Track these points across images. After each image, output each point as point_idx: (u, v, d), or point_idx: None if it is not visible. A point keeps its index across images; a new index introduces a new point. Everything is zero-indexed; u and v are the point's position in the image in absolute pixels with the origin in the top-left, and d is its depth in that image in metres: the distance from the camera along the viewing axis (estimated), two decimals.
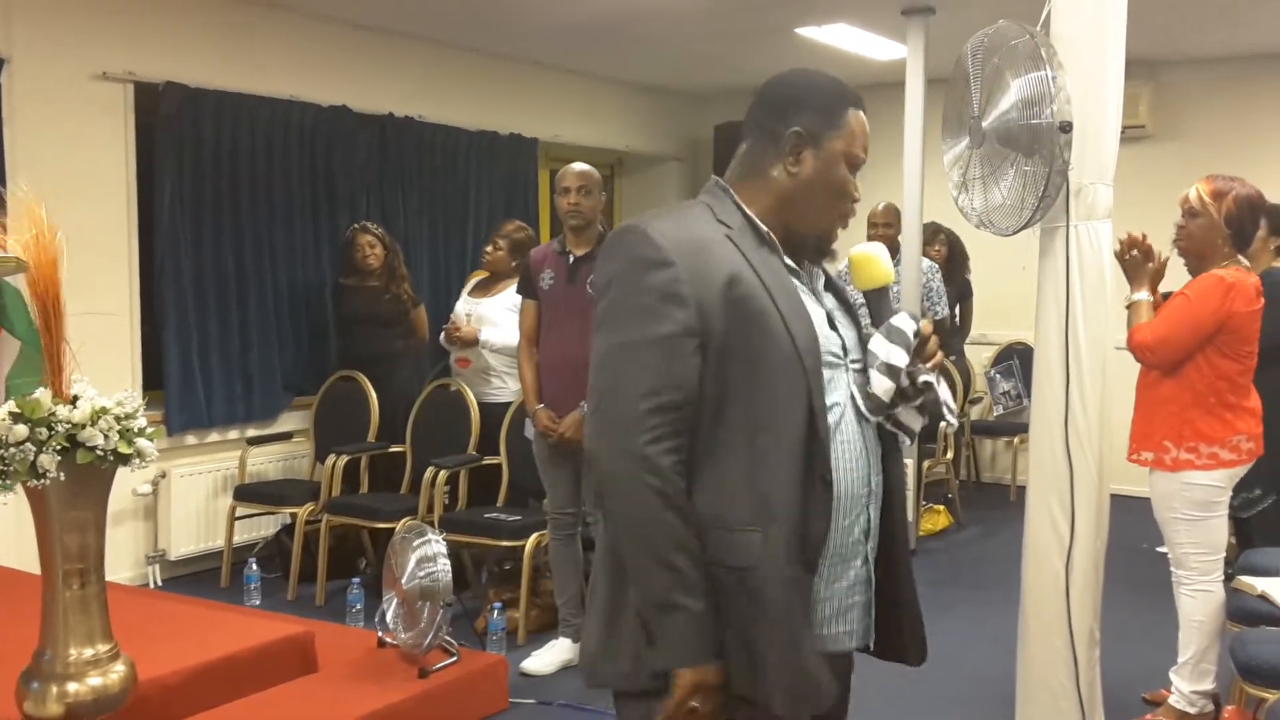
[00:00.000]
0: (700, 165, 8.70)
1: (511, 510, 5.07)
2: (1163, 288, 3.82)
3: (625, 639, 1.83)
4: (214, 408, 5.73)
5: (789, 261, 1.90)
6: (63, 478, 2.39)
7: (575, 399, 4.24)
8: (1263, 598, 3.53)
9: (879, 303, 1.99)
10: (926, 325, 1.94)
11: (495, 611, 4.55)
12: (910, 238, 6.08)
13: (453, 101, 6.86)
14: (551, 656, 4.44)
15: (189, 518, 5.62)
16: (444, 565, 3.87)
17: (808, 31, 6.42)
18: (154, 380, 5.53)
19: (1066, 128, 2.97)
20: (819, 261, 1.99)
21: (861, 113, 1.92)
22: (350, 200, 6.28)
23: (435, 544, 3.92)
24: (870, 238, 6.25)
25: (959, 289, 7.14)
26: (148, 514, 5.56)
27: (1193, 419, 3.55)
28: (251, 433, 5.91)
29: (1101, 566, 3.27)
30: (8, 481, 2.42)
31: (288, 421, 6.09)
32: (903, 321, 1.92)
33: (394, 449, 5.71)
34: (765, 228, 1.89)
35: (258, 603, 5.13)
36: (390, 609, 3.99)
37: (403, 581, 3.89)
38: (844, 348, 1.91)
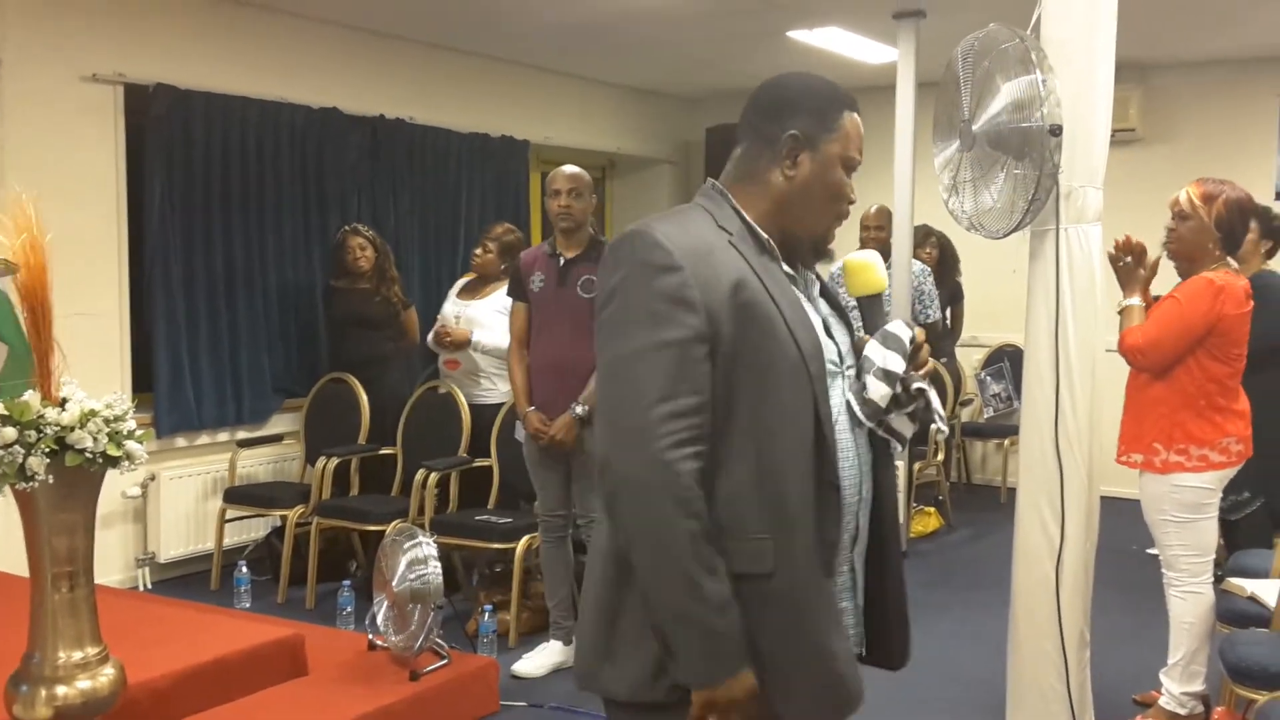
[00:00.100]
0: (692, 168, 8.70)
1: (502, 513, 5.07)
2: (1152, 290, 3.83)
3: (630, 646, 1.81)
4: (204, 410, 5.72)
5: (787, 269, 1.90)
6: (51, 480, 2.38)
7: (566, 401, 4.24)
8: (1252, 599, 3.55)
9: (873, 309, 2.00)
10: (920, 333, 1.94)
11: (486, 614, 4.54)
12: (901, 241, 6.09)
13: (444, 103, 6.86)
14: (542, 659, 4.44)
15: (179, 520, 5.60)
16: (435, 568, 3.86)
17: (799, 35, 6.43)
18: (144, 382, 5.51)
19: (1057, 131, 2.98)
20: (814, 265, 1.99)
21: (856, 115, 1.92)
22: (341, 202, 6.28)
23: (426, 546, 3.92)
24: (863, 240, 6.26)
25: (950, 292, 7.15)
26: (137, 516, 5.55)
27: (1183, 421, 3.56)
28: (242, 435, 5.90)
29: (1091, 568, 3.28)
30: None
31: (278, 424, 6.08)
32: (898, 328, 1.92)
33: (385, 451, 5.71)
34: (765, 234, 1.88)
35: (248, 605, 5.12)
36: (381, 611, 3.98)
37: (393, 584, 3.89)
38: (839, 355, 1.91)
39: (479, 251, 5.64)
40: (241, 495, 5.64)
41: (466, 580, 5.33)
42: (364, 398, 5.75)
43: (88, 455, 2.41)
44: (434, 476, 5.21)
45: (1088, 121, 3.09)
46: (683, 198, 8.26)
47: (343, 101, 6.23)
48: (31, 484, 2.36)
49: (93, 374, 3.39)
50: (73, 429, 2.39)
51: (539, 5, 5.87)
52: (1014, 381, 7.49)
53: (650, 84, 8.32)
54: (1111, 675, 4.02)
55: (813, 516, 1.79)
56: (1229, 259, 3.65)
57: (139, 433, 2.52)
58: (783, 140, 1.87)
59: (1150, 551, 4.11)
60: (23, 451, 2.35)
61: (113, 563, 5.39)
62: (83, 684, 2.51)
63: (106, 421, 2.45)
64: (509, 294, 4.62)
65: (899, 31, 6.05)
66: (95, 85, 5.24)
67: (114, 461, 2.46)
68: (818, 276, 2.00)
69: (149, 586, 5.51)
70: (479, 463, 5.34)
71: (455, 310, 5.61)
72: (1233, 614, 3.57)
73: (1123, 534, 4.86)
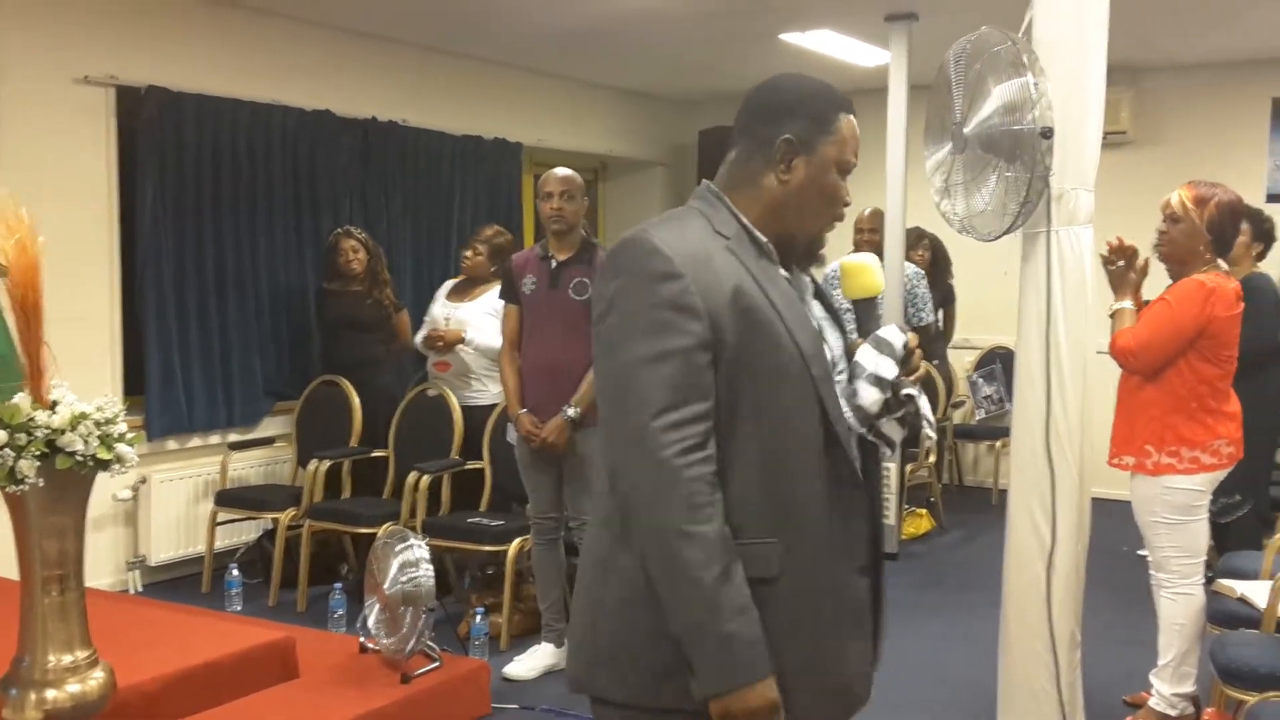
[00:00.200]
0: (685, 170, 8.71)
1: (494, 515, 5.06)
2: (1143, 293, 3.84)
3: (622, 649, 1.81)
4: (195, 412, 5.70)
5: (784, 272, 1.90)
6: (42, 483, 2.37)
7: (557, 404, 4.24)
8: (1242, 600, 3.56)
9: (867, 313, 2.00)
10: (912, 338, 1.94)
11: (478, 617, 4.54)
12: (893, 243, 6.10)
13: (436, 106, 6.85)
14: (534, 661, 4.43)
15: (170, 523, 5.59)
16: (426, 570, 3.86)
17: (792, 37, 6.43)
18: (135, 385, 5.50)
19: (1048, 133, 2.98)
20: (807, 267, 1.99)
21: (852, 117, 1.91)
22: (333, 204, 6.27)
23: (418, 549, 3.91)
24: (856, 243, 6.28)
25: (942, 294, 7.17)
26: (128, 519, 5.53)
27: (1175, 424, 3.57)
28: (233, 438, 5.89)
29: (1082, 570, 3.29)
30: None
31: (269, 426, 6.07)
32: (891, 334, 1.91)
33: (376, 454, 5.69)
34: (764, 238, 1.87)
35: (239, 608, 5.11)
36: (372, 614, 3.98)
37: (385, 587, 3.88)
38: (831, 359, 1.91)
39: (468, 253, 5.64)
40: (233, 498, 5.63)
41: (458, 583, 5.32)
42: (356, 400, 5.75)
43: (78, 458, 2.40)
44: (426, 479, 5.20)
45: (1079, 124, 3.10)
46: (675, 200, 8.28)
47: (335, 104, 6.22)
48: (22, 487, 2.35)
49: (84, 376, 3.38)
50: (63, 432, 2.38)
51: (532, 8, 5.87)
52: (1006, 383, 7.51)
53: (643, 86, 8.33)
54: (1102, 676, 4.03)
55: (830, 517, 1.80)
56: (1219, 261, 3.66)
57: (130, 435, 2.51)
58: (777, 145, 1.86)
59: (1141, 553, 4.12)
60: (13, 454, 2.34)
61: (104, 566, 5.37)
62: (73, 687, 2.50)
63: (97, 424, 2.43)
64: (501, 296, 4.62)
65: (891, 34, 6.06)
66: (87, 87, 5.23)
67: (105, 464, 2.45)
68: (812, 279, 2.01)
69: (140, 589, 5.50)
70: (471, 465, 5.33)
71: (445, 312, 5.61)
72: (1223, 615, 3.58)
73: (1113, 535, 4.88)
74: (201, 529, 5.63)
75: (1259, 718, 2.78)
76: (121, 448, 2.47)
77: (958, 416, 7.75)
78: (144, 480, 5.48)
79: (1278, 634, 3.30)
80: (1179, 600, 3.65)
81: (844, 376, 1.92)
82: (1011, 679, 3.32)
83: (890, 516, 5.98)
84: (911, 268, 6.40)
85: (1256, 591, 3.52)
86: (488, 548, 4.84)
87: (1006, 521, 3.32)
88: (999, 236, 3.18)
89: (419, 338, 5.70)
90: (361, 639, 4.06)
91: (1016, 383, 3.30)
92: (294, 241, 6.12)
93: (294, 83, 6.06)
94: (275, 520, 5.44)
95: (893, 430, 1.92)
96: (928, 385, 6.68)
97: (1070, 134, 3.06)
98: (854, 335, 1.99)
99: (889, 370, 1.89)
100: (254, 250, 5.93)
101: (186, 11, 5.61)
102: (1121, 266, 3.72)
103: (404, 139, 6.63)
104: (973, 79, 3.11)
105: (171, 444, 5.66)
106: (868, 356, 1.90)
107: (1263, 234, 5.10)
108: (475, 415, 5.44)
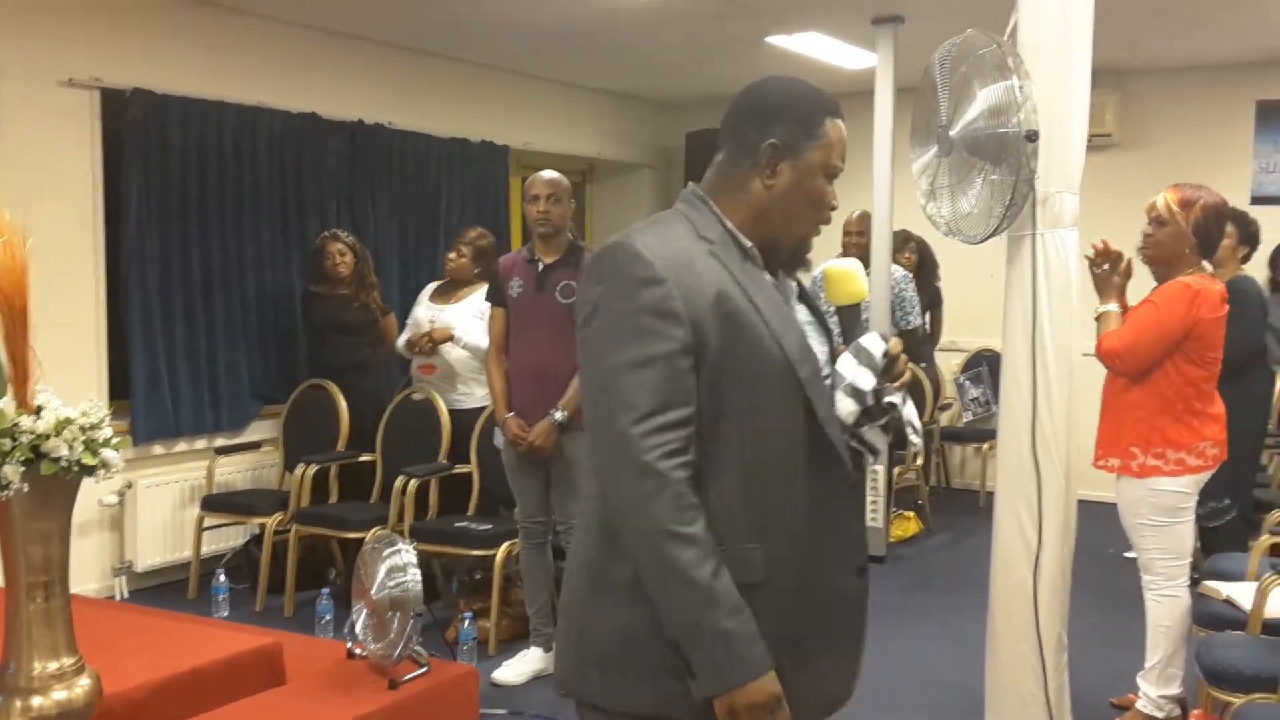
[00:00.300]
0: (672, 173, 8.72)
1: (482, 519, 5.05)
2: (1128, 296, 3.85)
3: (611, 653, 1.81)
4: (181, 417, 5.68)
5: (769, 276, 1.90)
6: (26, 489, 2.36)
7: (544, 407, 4.23)
8: (1228, 602, 3.57)
9: (851, 319, 1.99)
10: (895, 345, 1.93)
11: (466, 621, 4.52)
12: (880, 246, 6.11)
13: (423, 108, 6.85)
14: (523, 666, 4.43)
15: (156, 529, 5.56)
16: (414, 575, 3.84)
17: (778, 40, 6.44)
18: (121, 389, 5.48)
19: (1033, 136, 2.99)
20: (793, 272, 1.99)
21: (839, 121, 1.90)
22: (320, 207, 6.25)
23: (405, 554, 3.89)
24: (845, 246, 6.28)
25: (929, 296, 7.18)
26: (114, 525, 5.51)
27: (1161, 426, 3.58)
28: (220, 442, 5.86)
29: (1069, 572, 3.29)
30: None
31: (256, 431, 6.05)
32: (872, 343, 1.91)
33: (364, 458, 5.68)
34: (748, 242, 1.87)
35: (226, 614, 5.08)
36: (360, 619, 3.96)
37: (372, 592, 3.86)
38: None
39: (452, 256, 5.63)
40: (219, 503, 5.61)
41: (446, 587, 5.31)
42: (343, 404, 5.73)
43: (63, 464, 2.38)
44: (413, 483, 5.19)
45: (1064, 127, 3.11)
46: (663, 203, 8.28)
47: (321, 106, 6.21)
48: (6, 493, 2.34)
49: (69, 381, 3.36)
50: (48, 437, 2.37)
51: (518, 10, 5.87)
52: (993, 386, 7.52)
53: (630, 89, 8.33)
54: (1089, 678, 4.04)
55: (819, 519, 1.81)
56: (1205, 263, 3.68)
57: (115, 440, 2.50)
58: (762, 150, 1.86)
59: (1127, 555, 4.14)
60: None
61: (89, 571, 5.35)
62: (58, 695, 2.48)
63: (82, 429, 2.42)
64: (487, 299, 4.61)
65: (877, 37, 6.08)
66: (72, 90, 5.21)
67: (90, 470, 2.43)
68: (798, 283, 2.00)
69: (126, 595, 5.48)
70: (459, 469, 5.33)
71: (429, 314, 5.60)
72: (1209, 617, 3.59)
73: (1100, 538, 4.88)
74: (188, 534, 5.60)
75: (1245, 719, 2.79)
76: (107, 453, 2.46)
77: (945, 419, 7.76)
78: (130, 485, 5.46)
79: (1263, 636, 3.32)
80: (1164, 602, 3.66)
81: (828, 383, 1.91)
82: (999, 682, 3.32)
83: (878, 519, 5.99)
84: (899, 270, 6.41)
85: (1242, 593, 3.54)
86: (476, 552, 4.83)
87: (993, 524, 3.33)
88: (985, 239, 3.18)
89: (401, 341, 5.68)
90: (349, 644, 4.04)
91: (1003, 385, 3.31)
92: (280, 244, 6.11)
93: (280, 85, 6.05)
94: (262, 525, 5.42)
95: (876, 438, 1.92)
96: (915, 388, 6.69)
97: (1055, 137, 3.07)
98: (839, 341, 1.98)
99: (866, 381, 1.88)
100: (240, 253, 5.91)
101: (171, 13, 5.59)
102: (1107, 270, 3.73)
103: (391, 141, 6.62)
104: (958, 82, 3.11)
105: (158, 448, 5.64)
106: (847, 366, 1.90)
107: (1248, 237, 5.12)
108: (462, 419, 5.43)
